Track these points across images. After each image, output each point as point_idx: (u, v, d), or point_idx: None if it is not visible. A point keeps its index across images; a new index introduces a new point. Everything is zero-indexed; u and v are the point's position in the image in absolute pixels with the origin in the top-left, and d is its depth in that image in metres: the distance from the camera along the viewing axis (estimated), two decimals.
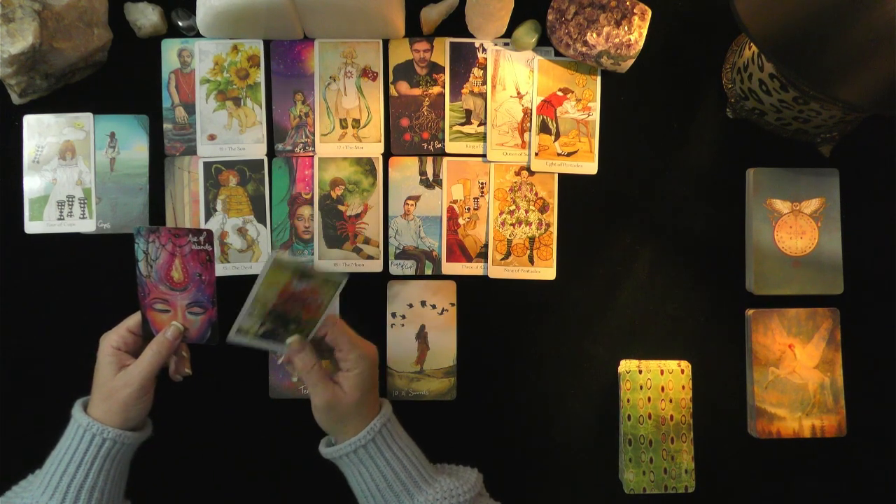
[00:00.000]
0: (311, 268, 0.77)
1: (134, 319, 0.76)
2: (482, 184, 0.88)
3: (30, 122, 0.85)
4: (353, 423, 0.73)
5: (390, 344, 0.86)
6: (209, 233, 0.78)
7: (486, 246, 0.87)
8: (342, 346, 0.74)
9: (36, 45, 0.77)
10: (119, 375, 0.73)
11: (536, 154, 0.87)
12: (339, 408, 0.73)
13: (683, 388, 0.85)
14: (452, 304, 0.86)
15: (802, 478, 0.88)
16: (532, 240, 0.87)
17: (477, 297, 0.87)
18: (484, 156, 0.88)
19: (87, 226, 0.85)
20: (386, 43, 0.88)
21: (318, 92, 0.87)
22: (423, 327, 0.86)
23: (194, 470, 0.85)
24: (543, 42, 0.87)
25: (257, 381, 0.86)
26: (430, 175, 0.87)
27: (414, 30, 0.87)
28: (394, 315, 0.86)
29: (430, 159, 0.87)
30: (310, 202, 0.87)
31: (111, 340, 0.74)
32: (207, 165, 0.86)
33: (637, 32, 0.83)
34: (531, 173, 0.88)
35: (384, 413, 0.74)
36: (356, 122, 0.87)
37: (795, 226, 0.87)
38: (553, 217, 0.88)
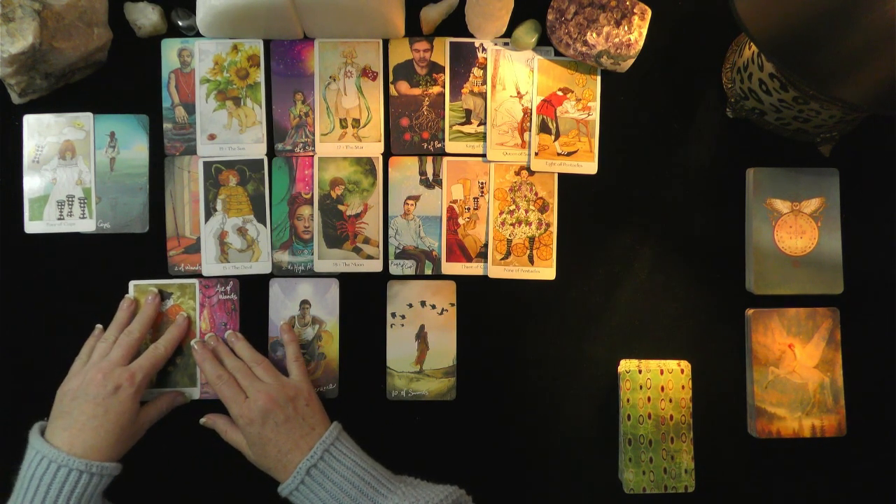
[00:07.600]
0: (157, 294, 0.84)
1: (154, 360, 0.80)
2: (482, 184, 0.88)
3: (30, 121, 0.85)
4: (278, 467, 0.75)
5: (390, 344, 0.86)
6: (235, 282, 0.84)
7: (485, 246, 0.87)
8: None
9: (36, 44, 0.77)
10: (142, 413, 0.78)
11: (536, 154, 0.87)
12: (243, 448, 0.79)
13: (683, 387, 0.85)
14: (452, 304, 0.86)
15: (802, 478, 0.88)
16: (532, 240, 0.87)
17: (477, 297, 0.87)
18: (484, 156, 0.88)
19: (87, 225, 0.85)
20: (386, 43, 0.88)
21: (317, 92, 0.87)
22: (423, 327, 0.86)
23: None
24: (543, 42, 0.87)
25: None
26: (429, 175, 0.87)
27: (414, 29, 0.87)
28: (393, 315, 0.86)
29: (430, 159, 0.87)
30: (310, 202, 0.86)
31: (141, 380, 0.77)
32: (207, 165, 0.86)
33: (637, 32, 0.83)
34: (531, 173, 0.87)
35: (311, 457, 0.73)
36: (356, 122, 0.87)
37: (795, 225, 0.87)
38: (553, 217, 0.88)
